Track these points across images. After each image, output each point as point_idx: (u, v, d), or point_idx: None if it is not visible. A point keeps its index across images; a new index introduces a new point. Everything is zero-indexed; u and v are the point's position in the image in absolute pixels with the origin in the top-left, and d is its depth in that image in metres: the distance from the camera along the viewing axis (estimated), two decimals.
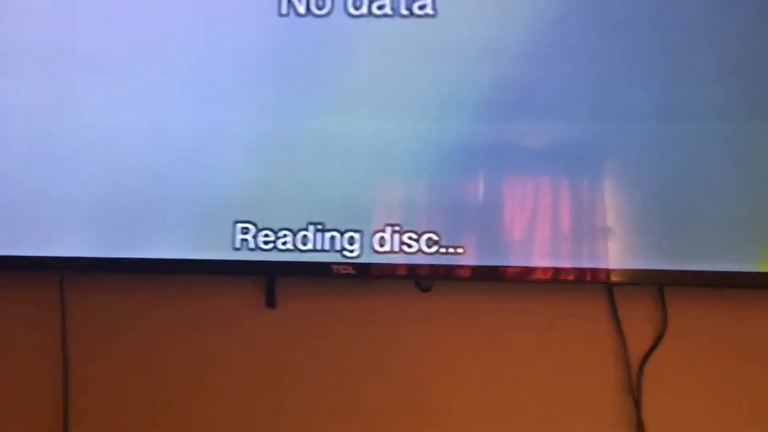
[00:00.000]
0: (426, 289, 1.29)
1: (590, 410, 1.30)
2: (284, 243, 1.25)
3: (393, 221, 1.23)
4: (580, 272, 1.24)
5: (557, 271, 1.24)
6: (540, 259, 1.24)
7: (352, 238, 1.24)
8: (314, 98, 1.26)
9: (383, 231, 1.23)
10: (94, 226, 1.29)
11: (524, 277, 1.23)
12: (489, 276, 1.23)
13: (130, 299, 1.35)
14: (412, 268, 1.23)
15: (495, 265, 1.22)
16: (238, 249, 1.26)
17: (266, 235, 1.25)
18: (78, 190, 1.29)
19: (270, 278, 1.32)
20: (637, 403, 1.28)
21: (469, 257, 1.22)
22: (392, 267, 1.23)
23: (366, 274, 1.24)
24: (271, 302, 1.33)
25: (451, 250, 1.22)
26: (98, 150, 1.29)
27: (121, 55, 1.29)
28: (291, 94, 1.27)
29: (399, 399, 1.31)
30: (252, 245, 1.25)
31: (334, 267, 1.24)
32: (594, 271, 1.24)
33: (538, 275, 1.23)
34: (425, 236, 1.22)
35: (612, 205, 1.24)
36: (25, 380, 1.35)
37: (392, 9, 1.25)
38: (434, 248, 1.22)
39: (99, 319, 1.35)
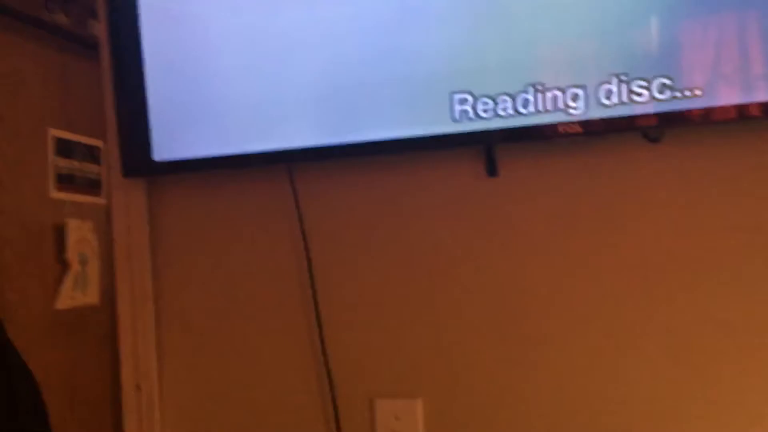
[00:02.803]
0: (654, 140, 1.24)
1: None
2: (504, 108, 1.23)
3: (618, 70, 1.18)
4: None
5: None
6: None
7: (575, 94, 1.20)
8: None
9: (609, 82, 1.19)
10: (317, 115, 1.33)
11: None
12: (735, 115, 1.15)
13: (358, 184, 1.39)
14: (644, 118, 1.18)
15: (740, 104, 1.15)
16: (457, 120, 1.26)
17: (485, 103, 1.24)
18: (296, 79, 1.32)
19: (488, 146, 1.32)
20: None
21: (708, 99, 1.15)
22: (623, 120, 1.19)
23: (594, 131, 1.20)
24: (492, 171, 1.33)
25: (687, 93, 1.16)
26: (310, 36, 1.31)
27: None
28: None
29: (642, 259, 1.27)
30: (471, 115, 1.25)
31: (560, 127, 1.21)
32: None
33: None
34: (657, 81, 1.17)
35: None
36: (271, 275, 1.44)
37: None
38: (667, 94, 1.17)
39: (331, 206, 1.40)
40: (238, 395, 1.43)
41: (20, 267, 1.89)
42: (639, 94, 1.17)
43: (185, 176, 1.43)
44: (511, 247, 1.34)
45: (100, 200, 2.38)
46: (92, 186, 2.22)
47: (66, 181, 2.19)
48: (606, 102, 1.19)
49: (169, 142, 1.38)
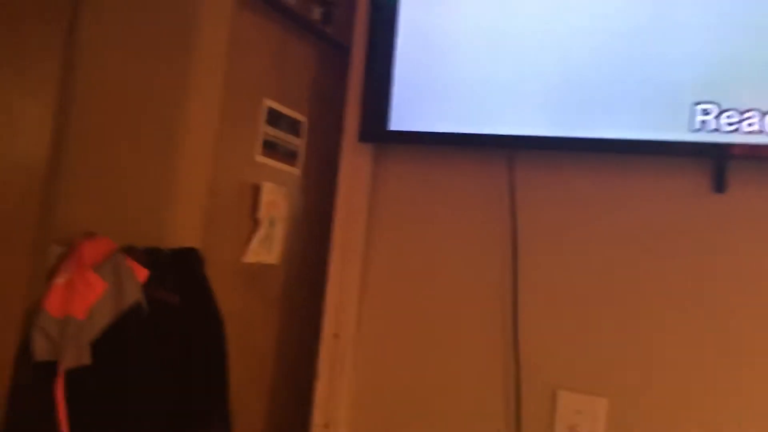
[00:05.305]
0: None
1: None
2: (750, 124, 1.23)
3: None
4: None
5: None
6: None
7: None
8: None
9: None
10: (547, 106, 1.38)
11: None
12: None
13: (577, 178, 1.43)
14: None
15: None
16: (696, 130, 1.27)
17: (730, 116, 1.25)
18: (532, 70, 1.38)
19: (720, 160, 1.31)
20: None
21: None
22: None
23: None
24: (719, 187, 1.32)
25: None
26: (553, 30, 1.37)
27: None
28: None
29: None
30: (712, 126, 1.26)
31: None
32: None
33: None
34: None
35: None
36: (475, 254, 1.49)
37: None
38: None
39: (546, 196, 1.45)
40: (426, 359, 1.49)
41: (222, 218, 2.03)
42: None
43: (410, 149, 1.52)
44: (724, 265, 1.32)
45: (295, 170, 2.52)
46: (290, 156, 2.36)
47: (270, 147, 2.35)
48: None
49: (403, 116, 1.47)
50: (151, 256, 1.42)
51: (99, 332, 1.25)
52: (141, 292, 1.32)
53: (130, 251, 1.35)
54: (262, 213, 2.24)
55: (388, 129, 1.46)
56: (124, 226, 1.46)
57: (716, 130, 1.25)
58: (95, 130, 1.37)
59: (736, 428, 1.29)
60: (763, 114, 1.22)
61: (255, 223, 2.22)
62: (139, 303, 1.31)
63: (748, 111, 1.23)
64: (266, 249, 2.41)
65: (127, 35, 1.41)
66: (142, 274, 1.33)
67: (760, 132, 1.23)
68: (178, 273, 1.54)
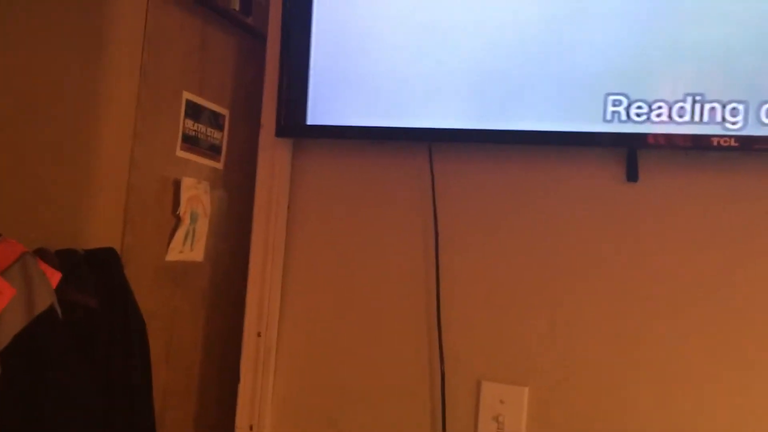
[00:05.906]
0: None
1: None
2: (658, 115, 1.27)
3: None
4: None
5: None
6: None
7: (735, 109, 1.23)
8: None
9: None
10: (466, 99, 1.39)
11: None
12: None
13: (496, 170, 1.44)
14: None
15: None
16: (608, 121, 1.30)
17: (639, 107, 1.28)
18: (450, 62, 1.39)
19: (631, 150, 1.34)
20: None
21: None
22: None
23: (750, 148, 1.23)
24: (632, 175, 1.36)
25: None
26: (471, 22, 1.37)
27: None
28: None
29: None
30: (623, 117, 1.29)
31: (715, 139, 1.24)
32: None
33: None
34: None
35: None
36: (397, 246, 1.50)
37: None
38: None
39: (466, 189, 1.45)
40: (350, 356, 1.49)
41: (142, 215, 1.97)
42: None
43: (330, 143, 1.50)
44: (638, 254, 1.36)
45: (217, 165, 2.48)
46: (213, 150, 2.31)
47: (191, 141, 2.29)
48: (767, 120, 1.22)
49: (322, 110, 1.45)
50: (64, 258, 1.37)
51: (9, 340, 1.20)
52: (54, 296, 1.27)
53: (41, 254, 1.30)
54: (183, 209, 2.18)
55: (306, 124, 1.44)
56: (35, 228, 1.40)
57: (627, 120, 1.28)
58: None
59: (654, 410, 1.33)
60: (671, 105, 1.26)
61: (177, 220, 2.16)
62: (53, 307, 1.26)
63: (656, 102, 1.26)
64: (189, 246, 2.36)
65: (34, 26, 1.35)
66: (54, 277, 1.28)
67: (669, 122, 1.26)
68: (96, 275, 1.49)
